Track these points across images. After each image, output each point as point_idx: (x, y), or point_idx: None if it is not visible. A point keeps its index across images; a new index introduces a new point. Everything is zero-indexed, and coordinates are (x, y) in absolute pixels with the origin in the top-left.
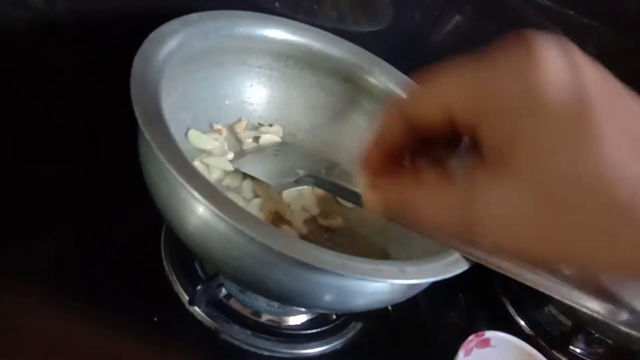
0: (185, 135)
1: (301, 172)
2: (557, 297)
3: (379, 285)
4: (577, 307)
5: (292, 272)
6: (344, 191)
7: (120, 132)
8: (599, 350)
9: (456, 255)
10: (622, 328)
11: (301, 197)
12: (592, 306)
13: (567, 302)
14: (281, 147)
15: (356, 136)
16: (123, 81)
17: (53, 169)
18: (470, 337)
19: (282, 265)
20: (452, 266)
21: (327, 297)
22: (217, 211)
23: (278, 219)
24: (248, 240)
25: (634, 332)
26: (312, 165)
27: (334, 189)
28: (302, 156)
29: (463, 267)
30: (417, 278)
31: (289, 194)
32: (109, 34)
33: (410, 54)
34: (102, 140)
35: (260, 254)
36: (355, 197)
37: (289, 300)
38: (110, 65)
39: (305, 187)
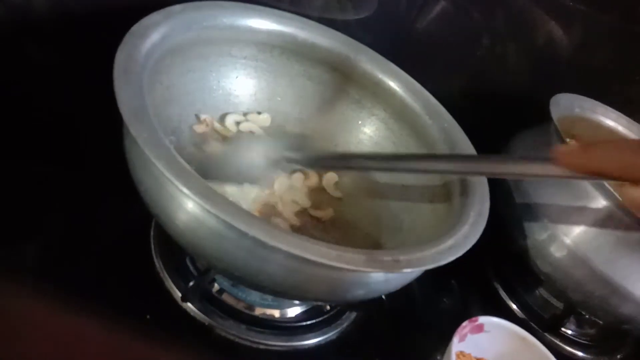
0: (172, 130)
1: (272, 157)
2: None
3: (373, 276)
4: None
5: (286, 266)
6: (324, 160)
7: (105, 127)
8: (590, 332)
9: (449, 243)
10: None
11: (292, 190)
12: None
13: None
14: (251, 144)
15: (345, 125)
16: (106, 75)
17: (37, 166)
18: (464, 323)
19: (275, 259)
20: (445, 254)
21: (321, 290)
22: (207, 206)
23: (269, 211)
24: (240, 235)
25: None
26: (282, 148)
27: (310, 163)
28: (268, 143)
29: (456, 254)
30: (410, 267)
31: (280, 186)
32: (90, 27)
33: (396, 40)
34: (86, 136)
35: (252, 248)
36: (329, 160)
37: (283, 293)
38: (92, 59)
39: (297, 176)
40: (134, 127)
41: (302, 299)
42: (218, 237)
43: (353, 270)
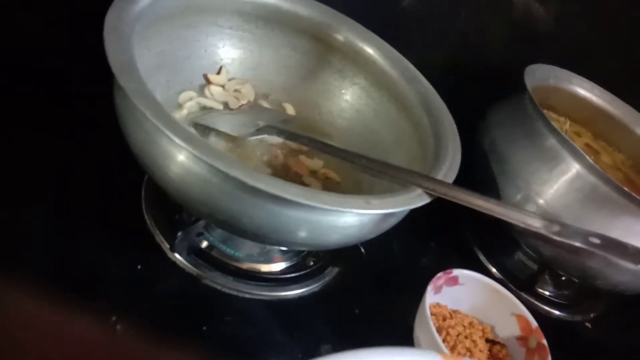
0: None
1: (261, 124)
2: (503, 218)
3: (348, 220)
4: (519, 224)
5: (265, 208)
6: (303, 138)
7: (96, 92)
8: (566, 292)
9: (418, 191)
10: (554, 238)
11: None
12: (531, 222)
13: (511, 221)
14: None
15: (328, 94)
16: (97, 40)
17: (28, 132)
18: (439, 274)
19: (255, 201)
20: (415, 199)
21: (300, 233)
22: (190, 149)
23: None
24: (222, 178)
25: (564, 240)
26: (271, 118)
27: (293, 137)
28: (260, 111)
29: (425, 200)
30: (381, 208)
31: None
32: None
33: (377, 13)
34: (77, 101)
35: (234, 191)
36: (311, 143)
37: (265, 237)
38: (83, 27)
39: (266, 136)
40: (122, 78)
41: (283, 244)
42: (203, 182)
43: (327, 210)
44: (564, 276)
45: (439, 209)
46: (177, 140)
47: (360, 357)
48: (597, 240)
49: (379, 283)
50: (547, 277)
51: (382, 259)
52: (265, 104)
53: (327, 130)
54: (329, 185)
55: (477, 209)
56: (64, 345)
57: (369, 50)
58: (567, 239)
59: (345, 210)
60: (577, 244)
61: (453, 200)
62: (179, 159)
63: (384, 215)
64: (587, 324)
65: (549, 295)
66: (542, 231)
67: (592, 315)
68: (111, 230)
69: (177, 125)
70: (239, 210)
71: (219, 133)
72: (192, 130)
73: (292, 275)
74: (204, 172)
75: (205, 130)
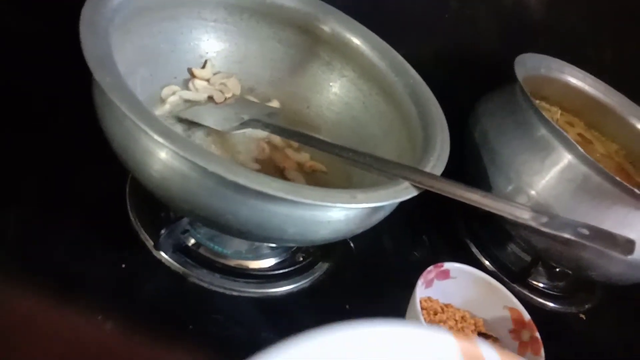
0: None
1: (245, 117)
2: (490, 210)
3: (334, 215)
4: (507, 216)
5: (248, 203)
6: (289, 132)
7: (80, 89)
8: (560, 284)
9: (405, 184)
10: (543, 229)
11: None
12: (519, 214)
13: (499, 213)
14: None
15: (316, 87)
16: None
17: (10, 131)
18: (430, 268)
19: (237, 197)
20: (401, 192)
21: (285, 229)
22: (166, 143)
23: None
24: (202, 173)
25: (552, 232)
26: (256, 112)
27: (278, 131)
28: (245, 104)
29: (411, 193)
30: (366, 202)
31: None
32: None
33: (368, 4)
34: (61, 99)
35: (215, 187)
36: (297, 136)
37: (250, 234)
38: (64, 25)
39: (250, 130)
40: (98, 73)
41: (269, 240)
42: (182, 178)
43: (311, 205)
44: (557, 268)
45: (430, 201)
46: (154, 135)
47: (355, 330)
48: (586, 231)
49: (370, 278)
50: (540, 268)
51: (373, 253)
52: (251, 98)
53: (316, 123)
54: (317, 179)
55: (464, 201)
56: (47, 345)
57: (357, 41)
58: (555, 231)
59: (330, 204)
60: (566, 236)
61: (440, 192)
62: (157, 155)
63: (371, 209)
64: (582, 316)
65: (542, 287)
66: (531, 223)
67: (586, 306)
68: (95, 229)
69: (154, 120)
70: (221, 206)
71: (203, 127)
72: (177, 124)
73: (281, 271)
74: (183, 168)
75: (190, 124)
